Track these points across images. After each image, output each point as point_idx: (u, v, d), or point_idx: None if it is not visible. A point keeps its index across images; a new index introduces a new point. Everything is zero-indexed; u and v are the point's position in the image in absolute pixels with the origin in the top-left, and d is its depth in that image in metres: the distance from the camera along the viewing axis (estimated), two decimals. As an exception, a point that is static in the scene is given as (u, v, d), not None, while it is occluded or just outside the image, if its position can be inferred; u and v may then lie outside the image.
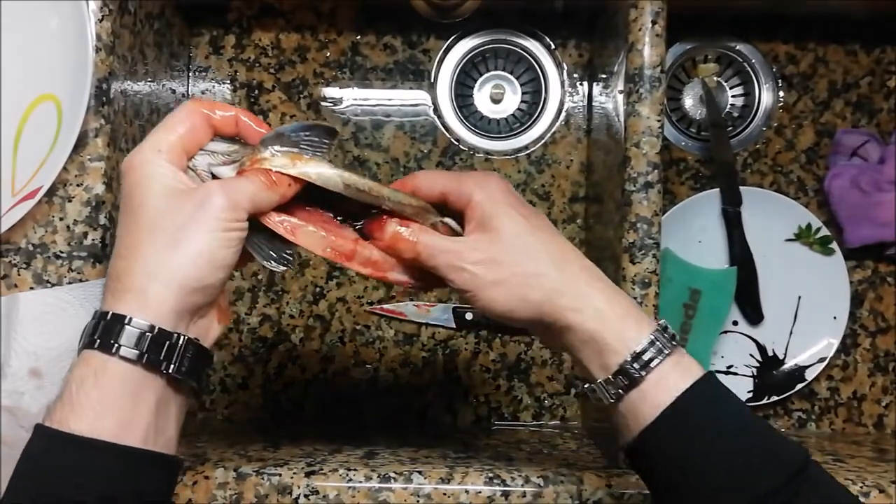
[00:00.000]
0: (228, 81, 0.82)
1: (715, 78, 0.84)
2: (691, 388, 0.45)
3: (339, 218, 0.53)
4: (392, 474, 0.62)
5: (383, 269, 0.53)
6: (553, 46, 0.83)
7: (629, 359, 0.45)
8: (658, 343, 0.45)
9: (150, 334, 0.43)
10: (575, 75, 0.83)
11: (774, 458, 0.44)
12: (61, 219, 0.61)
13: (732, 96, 0.84)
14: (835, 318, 0.80)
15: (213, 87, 0.82)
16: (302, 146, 0.49)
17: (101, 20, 0.61)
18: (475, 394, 0.81)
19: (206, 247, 0.44)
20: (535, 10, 0.82)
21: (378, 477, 0.61)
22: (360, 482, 0.61)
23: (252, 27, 0.82)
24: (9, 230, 0.59)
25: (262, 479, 0.61)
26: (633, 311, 0.47)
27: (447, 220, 0.54)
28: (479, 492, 0.61)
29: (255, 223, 0.48)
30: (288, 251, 0.50)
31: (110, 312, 0.43)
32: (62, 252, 0.61)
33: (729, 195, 0.79)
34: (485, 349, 0.81)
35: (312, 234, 0.50)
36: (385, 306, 0.81)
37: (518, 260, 0.48)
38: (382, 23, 0.82)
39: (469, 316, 0.80)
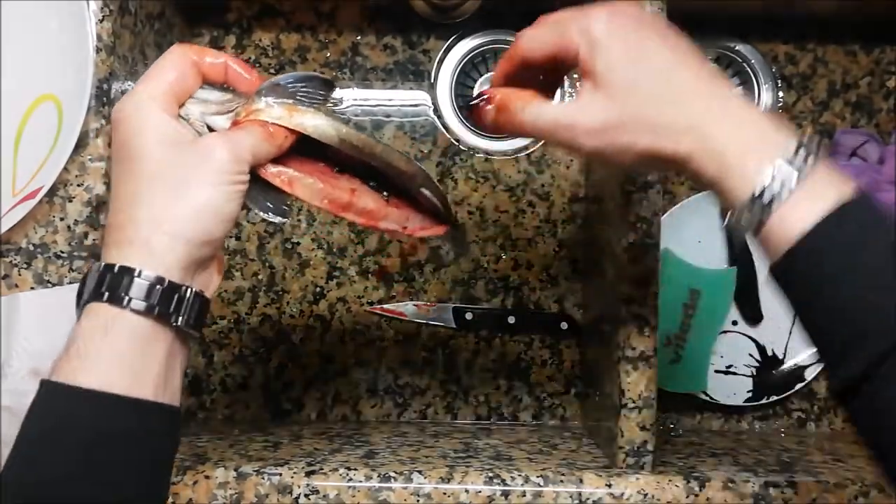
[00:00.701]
0: (229, 82, 0.82)
1: (714, 78, 0.84)
2: (838, 210, 0.40)
3: (336, 168, 0.53)
4: (392, 474, 0.62)
5: (377, 218, 0.53)
6: (553, 47, 0.83)
7: (749, 200, 0.41)
8: (783, 174, 0.41)
9: (160, 287, 0.42)
10: (575, 75, 0.83)
11: None
12: (62, 219, 0.61)
13: (732, 96, 0.84)
14: (834, 317, 0.80)
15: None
16: (298, 97, 0.49)
17: (101, 20, 0.61)
18: (475, 394, 0.81)
19: (211, 200, 0.44)
20: (535, 10, 0.82)
21: (378, 476, 0.61)
22: (361, 482, 0.61)
23: (252, 27, 0.82)
24: (9, 230, 0.60)
25: (263, 478, 0.61)
26: (757, 141, 0.42)
27: (424, 190, 0.54)
28: (479, 491, 0.61)
29: (252, 174, 0.47)
30: (286, 202, 0.50)
31: (117, 265, 0.42)
32: (63, 252, 0.61)
33: (728, 195, 0.79)
34: (485, 349, 0.81)
35: (310, 186, 0.50)
36: (385, 306, 0.81)
37: (632, 113, 0.44)
38: (382, 23, 0.82)
39: (469, 316, 0.81)
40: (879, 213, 0.41)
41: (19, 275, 0.61)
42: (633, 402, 0.64)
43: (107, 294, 0.42)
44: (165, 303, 0.43)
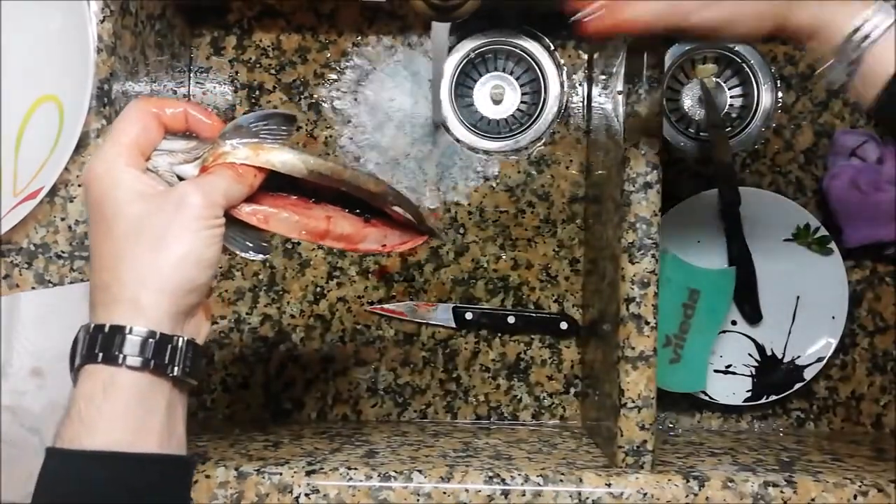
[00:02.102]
0: (229, 82, 0.82)
1: (714, 79, 0.84)
2: None
3: (311, 198, 0.53)
4: (392, 473, 0.62)
5: (355, 241, 0.54)
6: (553, 47, 0.83)
7: (851, 32, 0.47)
8: (877, 16, 0.47)
9: (152, 340, 0.43)
10: (574, 76, 0.83)
11: None
12: (63, 219, 0.61)
13: (731, 97, 0.84)
14: (833, 317, 0.80)
15: (214, 87, 0.82)
16: (261, 136, 0.49)
17: (102, 21, 0.61)
18: (475, 393, 0.81)
19: (191, 248, 0.44)
20: (535, 11, 0.82)
21: (378, 476, 0.62)
22: (361, 481, 0.61)
23: (253, 28, 0.82)
24: (10, 230, 0.60)
25: (263, 477, 0.61)
26: None
27: (397, 208, 0.55)
28: (479, 490, 0.61)
29: (228, 217, 0.48)
30: (265, 239, 0.51)
31: (107, 325, 0.43)
32: (64, 252, 0.61)
33: (728, 195, 0.80)
34: (485, 349, 0.81)
35: (285, 220, 0.51)
36: (385, 306, 0.81)
37: None
38: (382, 24, 0.82)
39: (469, 316, 0.81)
40: None
41: (20, 275, 0.61)
42: (633, 401, 0.64)
43: (101, 354, 0.42)
44: (160, 355, 0.43)
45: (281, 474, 0.61)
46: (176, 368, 0.44)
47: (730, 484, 0.62)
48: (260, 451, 0.66)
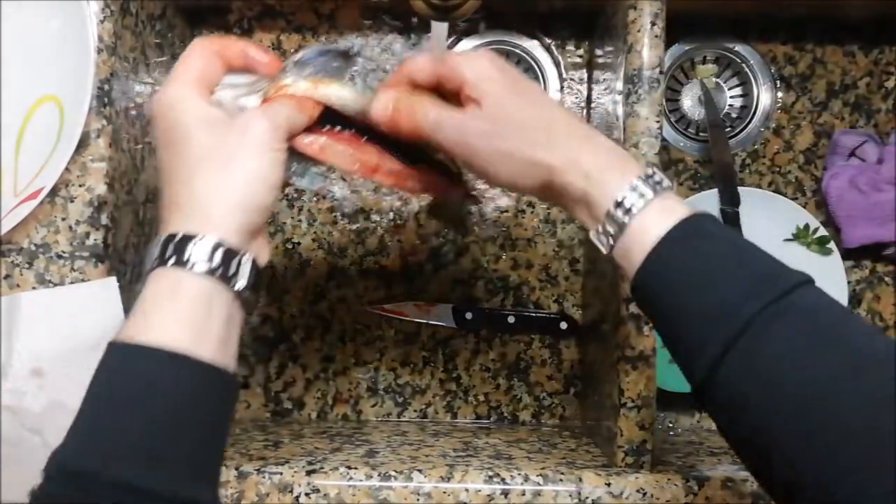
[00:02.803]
0: (229, 82, 0.82)
1: (713, 79, 0.84)
2: (674, 228, 0.46)
3: (362, 136, 0.55)
4: (392, 473, 0.62)
5: (403, 178, 0.55)
6: (552, 47, 0.83)
7: (612, 208, 0.47)
8: (639, 189, 0.47)
9: (220, 250, 0.45)
10: (574, 76, 0.83)
11: (759, 285, 0.44)
12: (63, 219, 0.61)
13: (731, 97, 0.84)
14: (833, 317, 0.80)
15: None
16: (320, 71, 0.52)
17: (102, 21, 0.61)
18: (475, 393, 0.81)
19: (258, 168, 0.47)
20: (535, 11, 0.82)
21: (378, 475, 0.62)
22: (361, 481, 0.61)
23: (253, 28, 0.82)
24: (11, 230, 0.60)
25: (264, 477, 0.61)
26: (618, 163, 0.49)
27: (440, 156, 0.56)
28: (479, 490, 0.61)
29: (287, 148, 0.50)
30: (321, 171, 0.53)
31: (180, 233, 0.45)
32: (64, 252, 0.61)
33: (727, 196, 0.80)
34: (485, 349, 0.81)
35: (341, 153, 0.53)
36: (385, 306, 0.81)
37: (515, 129, 0.49)
38: (382, 23, 0.82)
39: (469, 316, 0.81)
40: (718, 223, 0.48)
41: (21, 275, 0.61)
42: (633, 401, 0.64)
43: (171, 259, 0.44)
44: (225, 266, 0.45)
45: (281, 474, 0.61)
46: (239, 282, 0.45)
47: (729, 484, 0.62)
48: (260, 451, 0.66)
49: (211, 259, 0.44)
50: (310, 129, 0.52)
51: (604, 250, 0.49)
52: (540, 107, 0.51)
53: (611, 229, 0.47)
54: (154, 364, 0.42)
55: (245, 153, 0.47)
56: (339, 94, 0.52)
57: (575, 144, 0.49)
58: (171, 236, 0.45)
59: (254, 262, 0.47)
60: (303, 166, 0.53)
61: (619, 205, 0.47)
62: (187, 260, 0.44)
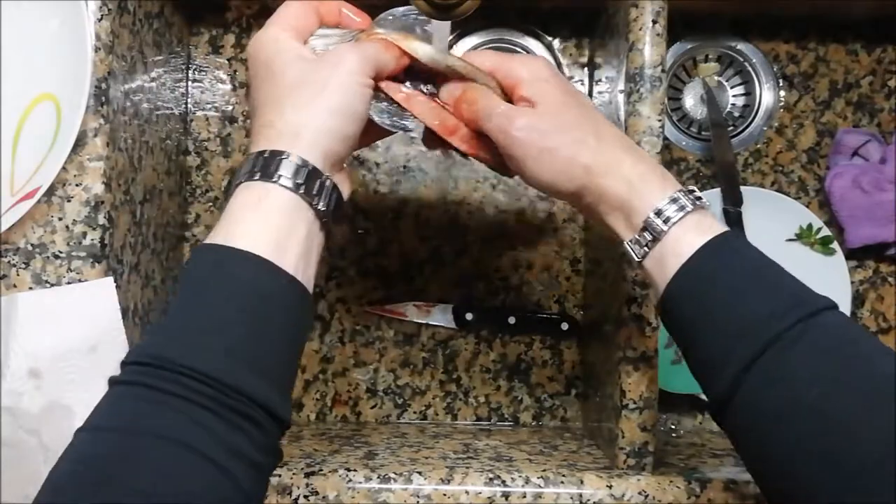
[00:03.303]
0: (228, 80, 0.82)
1: (716, 77, 0.84)
2: (710, 241, 0.48)
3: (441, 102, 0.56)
4: (392, 475, 0.61)
5: (476, 147, 0.56)
6: (554, 46, 0.83)
7: (651, 216, 0.48)
8: (680, 201, 0.49)
9: (305, 169, 0.47)
10: (575, 75, 0.83)
11: (788, 303, 0.45)
12: (60, 219, 0.60)
13: (733, 96, 0.84)
14: (836, 318, 0.79)
15: (213, 86, 0.82)
16: (408, 27, 0.54)
17: (100, 20, 0.61)
18: (475, 394, 0.81)
19: (345, 100, 0.49)
20: (536, 9, 0.82)
21: (378, 477, 0.61)
22: (360, 483, 0.61)
23: (251, 26, 0.82)
24: (7, 230, 0.59)
25: (262, 479, 0.61)
26: (658, 175, 0.50)
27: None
28: (480, 492, 0.61)
29: (375, 89, 0.52)
30: (405, 117, 0.54)
31: (268, 150, 0.47)
32: (61, 252, 0.60)
33: (730, 195, 0.79)
34: (485, 349, 0.81)
35: (424, 104, 0.55)
36: (385, 306, 0.81)
37: (563, 130, 0.51)
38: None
39: (469, 316, 0.80)
40: (748, 243, 0.49)
41: (17, 275, 0.60)
42: (634, 402, 0.64)
43: (259, 173, 0.47)
44: (310, 183, 0.47)
45: (280, 476, 0.61)
46: (321, 202, 0.48)
47: (732, 486, 0.62)
48: (259, 453, 0.66)
49: (296, 175, 0.46)
50: (397, 79, 0.54)
51: (636, 258, 0.50)
52: (588, 113, 0.53)
53: (647, 237, 0.49)
54: (243, 267, 0.44)
55: (335, 83, 0.49)
56: (426, 50, 0.53)
57: (619, 152, 0.51)
58: (261, 153, 0.47)
59: (335, 188, 0.49)
60: (388, 111, 0.54)
61: (658, 213, 0.48)
62: (274, 173, 0.46)
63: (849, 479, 0.39)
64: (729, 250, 0.48)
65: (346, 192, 0.51)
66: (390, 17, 0.54)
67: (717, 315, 0.46)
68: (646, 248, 0.49)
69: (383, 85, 0.53)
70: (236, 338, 0.42)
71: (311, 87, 0.49)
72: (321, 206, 0.48)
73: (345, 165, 0.52)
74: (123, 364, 0.42)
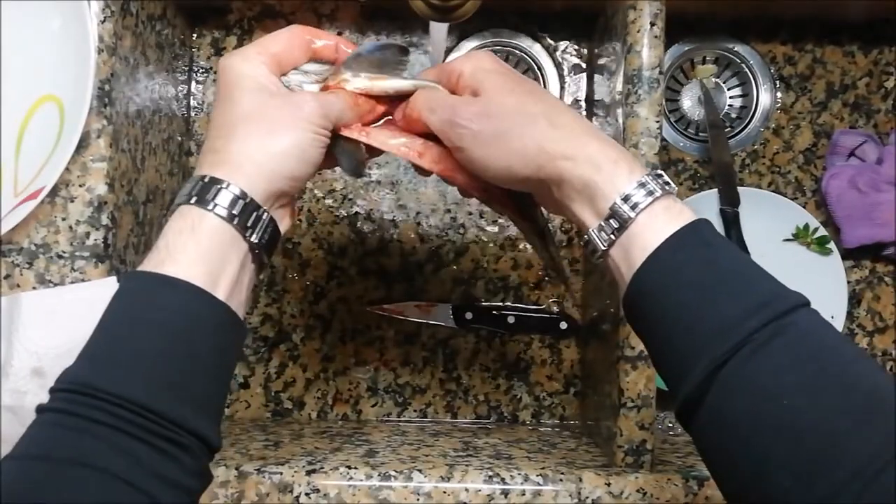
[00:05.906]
0: (229, 82, 0.82)
1: (713, 79, 0.84)
2: (678, 232, 0.44)
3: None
4: (392, 473, 0.62)
5: (451, 168, 0.54)
6: (552, 47, 0.83)
7: (618, 201, 0.45)
8: (648, 186, 0.45)
9: (242, 201, 0.46)
10: (574, 76, 0.83)
11: (758, 301, 0.42)
12: (63, 219, 0.61)
13: (730, 97, 0.84)
14: (832, 317, 0.80)
15: (216, 88, 0.82)
16: (378, 65, 0.54)
17: (103, 21, 0.61)
18: (475, 393, 0.81)
19: (298, 142, 0.48)
20: (535, 11, 0.82)
21: (378, 475, 0.62)
22: (361, 480, 0.61)
23: (253, 28, 0.82)
24: (11, 230, 0.60)
25: (264, 477, 0.61)
26: (625, 158, 0.47)
27: None
28: (479, 490, 0.61)
29: (335, 136, 0.52)
30: (362, 160, 0.54)
31: (209, 176, 0.47)
32: (64, 252, 0.61)
33: (727, 196, 0.80)
34: (485, 349, 0.81)
35: (389, 136, 0.54)
36: (385, 306, 0.81)
37: (511, 113, 0.49)
38: (382, 23, 0.82)
39: (469, 316, 0.81)
40: (718, 233, 0.46)
41: (21, 275, 0.61)
42: (632, 401, 0.64)
43: (195, 198, 0.46)
44: (244, 216, 0.46)
45: (281, 474, 0.61)
46: (255, 235, 0.47)
47: (729, 483, 0.62)
48: (260, 451, 0.66)
49: (232, 206, 0.46)
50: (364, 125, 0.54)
51: (601, 246, 0.46)
52: (539, 96, 0.50)
53: (614, 224, 0.45)
54: (176, 294, 0.44)
55: (289, 126, 0.48)
56: (396, 85, 0.53)
57: (581, 135, 0.47)
58: (202, 177, 0.47)
59: (272, 222, 0.48)
60: (347, 155, 0.53)
61: (626, 199, 0.45)
62: (210, 201, 0.46)
63: (829, 495, 0.37)
64: (698, 243, 0.44)
65: (284, 226, 0.50)
66: (359, 54, 0.53)
67: (684, 313, 0.43)
68: (612, 237, 0.46)
69: (345, 132, 0.52)
70: (165, 365, 0.42)
71: (263, 123, 0.48)
72: (254, 239, 0.47)
73: (294, 197, 0.51)
74: (52, 391, 0.42)
